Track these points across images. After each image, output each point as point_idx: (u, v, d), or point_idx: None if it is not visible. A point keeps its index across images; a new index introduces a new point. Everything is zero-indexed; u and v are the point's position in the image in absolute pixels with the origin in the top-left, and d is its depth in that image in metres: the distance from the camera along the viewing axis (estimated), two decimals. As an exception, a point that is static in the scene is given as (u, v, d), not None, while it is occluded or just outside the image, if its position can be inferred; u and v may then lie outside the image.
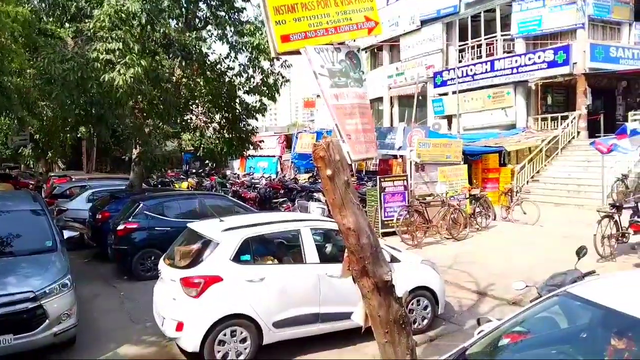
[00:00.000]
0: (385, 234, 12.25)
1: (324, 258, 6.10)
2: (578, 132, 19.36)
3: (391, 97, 29.48)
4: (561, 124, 19.41)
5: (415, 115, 22.25)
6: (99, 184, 14.45)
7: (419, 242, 11.42)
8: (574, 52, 19.09)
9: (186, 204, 10.30)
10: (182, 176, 26.19)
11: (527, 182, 18.06)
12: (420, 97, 24.60)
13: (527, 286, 4.82)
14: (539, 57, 20.02)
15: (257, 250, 5.98)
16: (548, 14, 20.29)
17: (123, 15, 9.35)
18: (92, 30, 9.58)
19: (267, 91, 13.42)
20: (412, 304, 6.28)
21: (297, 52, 3.70)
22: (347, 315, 4.58)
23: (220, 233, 5.79)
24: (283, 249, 6.44)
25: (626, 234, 9.39)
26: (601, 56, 19.32)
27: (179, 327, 5.41)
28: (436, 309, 6.50)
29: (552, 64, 19.53)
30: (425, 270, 6.65)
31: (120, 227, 9.30)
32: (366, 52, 32.35)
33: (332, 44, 3.70)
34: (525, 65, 20.40)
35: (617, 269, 8.29)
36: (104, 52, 9.16)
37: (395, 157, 19.79)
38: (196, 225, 6.39)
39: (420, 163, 13.60)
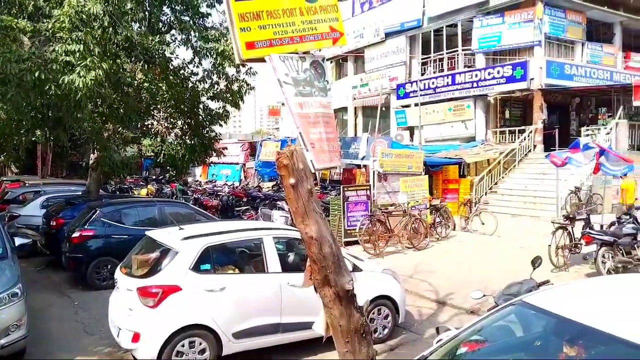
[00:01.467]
0: (347, 243, 12.30)
1: (287, 267, 6.06)
2: (534, 146, 20.05)
3: (355, 108, 29.81)
4: (518, 138, 20.04)
5: (378, 125, 22.53)
6: (54, 190, 13.96)
7: (381, 252, 11.52)
8: (531, 68, 19.80)
9: (145, 212, 10.07)
10: (141, 182, 25.57)
11: (486, 193, 18.55)
12: (383, 108, 24.95)
13: (484, 295, 4.92)
14: (498, 72, 20.69)
15: (217, 259, 5.89)
16: (507, 31, 21.01)
17: (84, 17, 9.08)
18: (51, 31, 9.27)
19: (231, 98, 13.31)
20: (373, 313, 6.31)
21: (262, 60, 3.69)
22: (308, 325, 4.55)
23: (179, 241, 5.67)
24: (245, 258, 6.36)
25: (579, 245, 9.75)
26: (556, 73, 20.13)
27: (135, 338, 5.25)
28: (397, 318, 6.55)
29: (510, 79, 20.21)
30: (386, 279, 6.70)
31: (76, 234, 9.00)
32: (331, 62, 32.62)
33: (297, 53, 3.70)
34: (485, 79, 21.03)
35: (570, 279, 8.59)
36: (64, 54, 8.87)
37: (359, 166, 19.96)
38: (155, 233, 6.24)
39: (383, 173, 13.77)
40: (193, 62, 13.05)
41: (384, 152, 14.19)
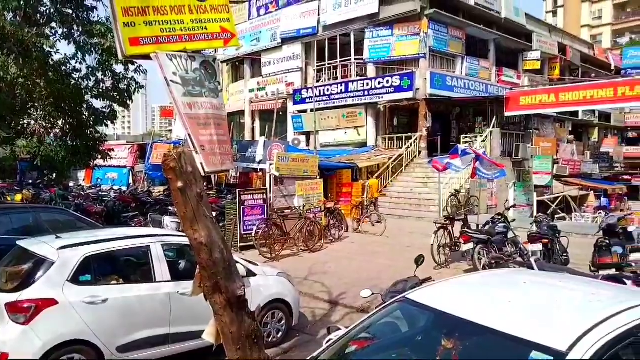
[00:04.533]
0: (244, 248, 12.16)
1: (177, 275, 5.82)
2: (419, 152, 21.39)
3: (253, 111, 29.65)
4: (405, 144, 21.26)
5: (275, 130, 22.62)
6: None
7: (277, 255, 11.55)
8: (417, 79, 21.11)
9: (18, 219, 9.12)
10: (16, 187, 23.09)
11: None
12: (280, 113, 25.11)
13: (373, 294, 5.11)
14: (387, 82, 21.79)
15: (99, 269, 5.48)
16: (395, 43, 22.23)
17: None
18: None
19: (118, 97, 12.53)
20: (267, 318, 6.29)
21: (148, 57, 3.51)
22: (199, 334, 4.39)
23: (56, 251, 5.20)
24: (130, 267, 5.99)
25: (458, 243, 10.54)
26: (439, 84, 21.64)
27: (3, 358, 4.72)
28: (291, 320, 6.59)
29: (398, 89, 21.38)
30: (281, 283, 6.71)
31: None
32: (227, 64, 32.18)
33: (186, 52, 3.57)
34: (376, 88, 22.04)
35: (451, 275, 9.23)
36: None
37: (255, 170, 19.83)
38: (27, 243, 5.65)
39: (280, 177, 13.82)
40: (76, 58, 12.10)
41: (280, 156, 14.25)
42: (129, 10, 3.38)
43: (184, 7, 3.60)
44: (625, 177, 29.22)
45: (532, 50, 27.23)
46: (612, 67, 35.18)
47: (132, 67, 12.38)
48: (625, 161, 31.02)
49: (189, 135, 3.44)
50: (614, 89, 15.40)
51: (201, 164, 3.44)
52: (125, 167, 28.73)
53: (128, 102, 12.80)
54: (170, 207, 14.49)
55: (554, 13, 65.32)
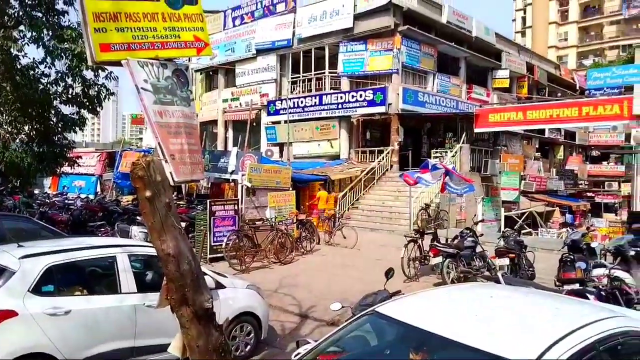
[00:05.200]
0: (213, 260, 11.99)
1: (143, 287, 5.67)
2: (391, 165, 21.61)
3: (226, 121, 29.47)
4: (378, 157, 21.46)
5: (248, 140, 22.53)
6: None
7: (247, 267, 11.42)
8: (389, 94, 21.39)
9: (-23, 227, 8.75)
10: (-23, 194, 22.28)
11: (348, 208, 19.49)
12: (254, 124, 25.03)
13: (343, 307, 5.09)
14: (360, 96, 22.01)
15: (63, 279, 5.30)
16: (369, 58, 22.52)
17: None
18: None
19: (88, 103, 12.27)
20: (236, 331, 6.18)
21: (119, 64, 3.45)
22: (165, 348, 4.28)
23: (17, 260, 5.01)
24: (95, 278, 5.81)
25: (427, 257, 10.65)
26: (411, 99, 21.98)
27: (-43, 373, 4.50)
28: (260, 334, 6.50)
29: (371, 103, 21.62)
30: (250, 295, 6.62)
31: None
32: (201, 73, 31.99)
33: (158, 59, 3.53)
34: (349, 102, 22.24)
35: (420, 288, 9.29)
36: None
37: (227, 181, 19.66)
38: (-15, 252, 5.43)
39: (252, 188, 13.74)
40: (45, 63, 11.81)
41: (252, 167, 14.18)
42: (100, 16, 3.33)
43: (157, 15, 3.56)
44: (589, 194, 30.15)
45: (502, 69, 28.03)
46: (577, 87, 36.49)
47: (102, 74, 12.17)
48: (589, 179, 32.03)
49: (158, 143, 3.39)
50: (579, 109, 15.94)
51: (170, 173, 3.39)
52: (93, 175, 28.07)
53: (98, 108, 12.55)
54: (138, 217, 14.18)
55: (523, 33, 67.48)
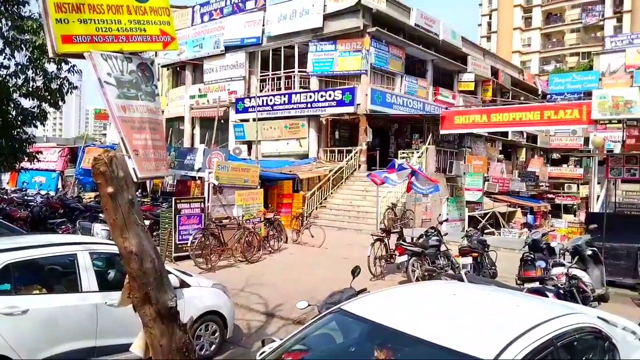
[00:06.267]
0: (178, 258, 11.82)
1: (105, 285, 5.54)
2: (359, 165, 21.76)
3: (193, 118, 29.07)
4: (346, 157, 21.58)
5: (216, 138, 22.27)
6: None
7: (213, 266, 11.29)
8: (358, 94, 21.53)
9: None
10: None
11: (316, 207, 19.52)
12: (222, 121, 24.77)
13: (309, 305, 5.09)
14: (329, 96, 22.07)
15: (20, 278, 5.13)
16: (339, 58, 22.61)
17: None
18: None
19: (49, 96, 11.88)
20: (200, 330, 6.11)
21: (81, 56, 3.36)
22: (128, 347, 4.21)
23: (-30, 258, 4.82)
24: (55, 276, 5.64)
25: (393, 255, 10.77)
26: (379, 100, 22.20)
27: None
28: (225, 333, 6.44)
29: (340, 103, 21.71)
30: (215, 294, 6.55)
31: None
32: (168, 69, 31.44)
33: (122, 53, 3.45)
34: (318, 101, 22.27)
35: (386, 286, 9.39)
36: None
37: (194, 178, 19.38)
38: (-64, 250, 5.19)
39: (219, 186, 13.59)
40: (4, 54, 11.37)
41: (220, 165, 14.02)
42: (62, 6, 3.23)
43: (122, 7, 3.48)
44: (550, 195, 31.12)
45: (467, 72, 28.63)
46: (539, 92, 37.62)
47: (65, 67, 11.82)
48: (549, 180, 33.04)
49: (121, 138, 3.32)
50: (541, 112, 16.42)
51: (134, 169, 3.32)
52: (54, 170, 27.18)
53: (60, 102, 12.18)
54: (101, 214, 13.82)
55: (488, 38, 69.10)
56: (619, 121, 15.61)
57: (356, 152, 21.69)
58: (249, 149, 24.38)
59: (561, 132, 34.18)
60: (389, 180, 12.50)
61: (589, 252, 9.02)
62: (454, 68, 28.25)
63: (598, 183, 18.74)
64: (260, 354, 3.54)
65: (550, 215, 27.88)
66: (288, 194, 19.06)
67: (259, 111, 22.41)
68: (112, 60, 3.34)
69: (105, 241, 7.09)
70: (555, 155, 37.82)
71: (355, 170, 21.49)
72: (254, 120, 22.94)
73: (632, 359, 3.69)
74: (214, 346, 6.31)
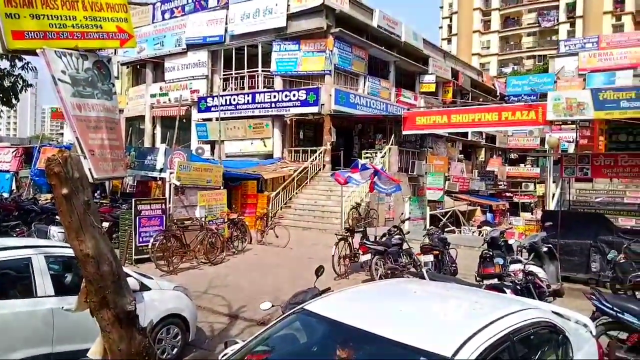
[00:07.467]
0: (139, 261, 11.56)
1: (62, 289, 5.36)
2: (324, 165, 21.82)
3: (154, 117, 28.47)
4: (311, 157, 21.60)
5: (177, 137, 21.85)
6: None
7: (175, 268, 11.09)
8: (322, 95, 21.58)
9: None
10: None
11: (281, 208, 19.46)
12: (184, 120, 24.36)
13: (273, 306, 5.09)
14: (293, 96, 22.05)
15: (-31, 283, 4.91)
16: (302, 58, 22.61)
17: None
18: None
19: (2, 95, 11.41)
20: (162, 334, 5.99)
21: (34, 53, 3.24)
22: (85, 353, 4.09)
23: None
24: (8, 280, 5.41)
25: (357, 254, 10.87)
26: (343, 101, 22.30)
27: None
28: (187, 336, 6.34)
29: (304, 103, 21.72)
30: (177, 297, 6.44)
31: None
32: (128, 67, 30.69)
33: (77, 50, 3.34)
34: (282, 101, 22.21)
35: (349, 285, 9.46)
36: None
37: (155, 179, 18.96)
38: None
39: (181, 186, 13.36)
40: (-48, 50, 10.84)
41: (182, 165, 13.77)
42: (12, 1, 3.11)
43: (77, 3, 3.38)
44: (508, 194, 32.05)
45: (428, 74, 29.15)
46: (498, 93, 38.71)
47: (19, 64, 11.38)
48: (507, 180, 34.02)
49: (77, 138, 3.22)
50: (499, 114, 16.85)
51: (89, 169, 3.23)
52: (8, 171, 26.07)
53: (13, 101, 11.73)
54: (57, 217, 13.37)
55: (449, 41, 70.63)
56: (573, 122, 16.23)
57: (321, 152, 21.74)
58: (212, 148, 24.05)
59: (518, 132, 35.25)
60: (353, 180, 12.60)
61: (545, 249, 9.34)
62: (415, 69, 28.70)
63: (553, 182, 19.40)
64: (223, 356, 3.51)
65: (508, 214, 28.69)
66: (252, 194, 18.91)
67: (222, 110, 22.15)
68: (66, 58, 3.24)
69: (61, 244, 6.86)
70: (513, 155, 38.98)
71: (319, 170, 21.54)
72: (217, 119, 22.65)
73: (583, 350, 3.85)
74: (175, 349, 6.20)
